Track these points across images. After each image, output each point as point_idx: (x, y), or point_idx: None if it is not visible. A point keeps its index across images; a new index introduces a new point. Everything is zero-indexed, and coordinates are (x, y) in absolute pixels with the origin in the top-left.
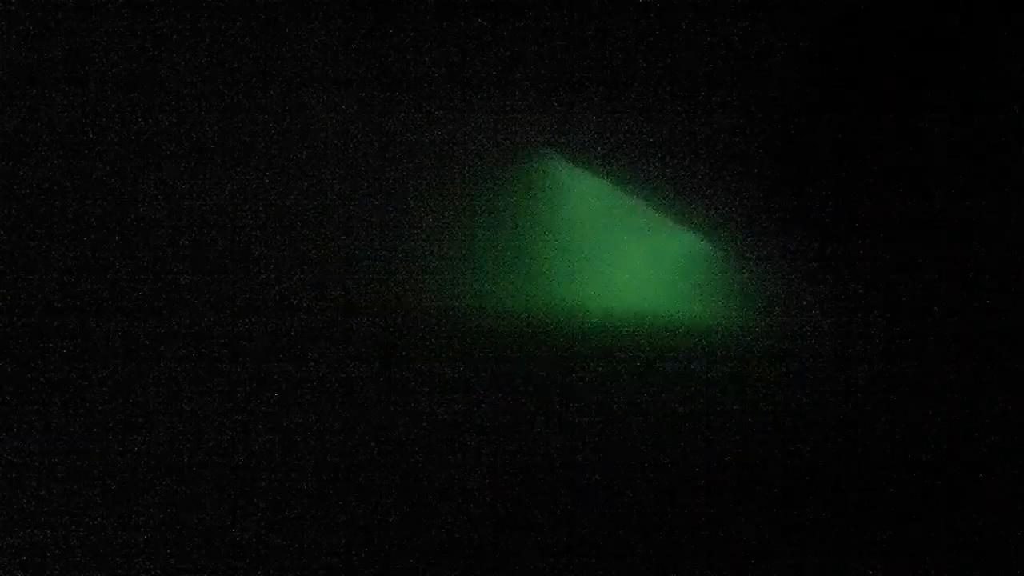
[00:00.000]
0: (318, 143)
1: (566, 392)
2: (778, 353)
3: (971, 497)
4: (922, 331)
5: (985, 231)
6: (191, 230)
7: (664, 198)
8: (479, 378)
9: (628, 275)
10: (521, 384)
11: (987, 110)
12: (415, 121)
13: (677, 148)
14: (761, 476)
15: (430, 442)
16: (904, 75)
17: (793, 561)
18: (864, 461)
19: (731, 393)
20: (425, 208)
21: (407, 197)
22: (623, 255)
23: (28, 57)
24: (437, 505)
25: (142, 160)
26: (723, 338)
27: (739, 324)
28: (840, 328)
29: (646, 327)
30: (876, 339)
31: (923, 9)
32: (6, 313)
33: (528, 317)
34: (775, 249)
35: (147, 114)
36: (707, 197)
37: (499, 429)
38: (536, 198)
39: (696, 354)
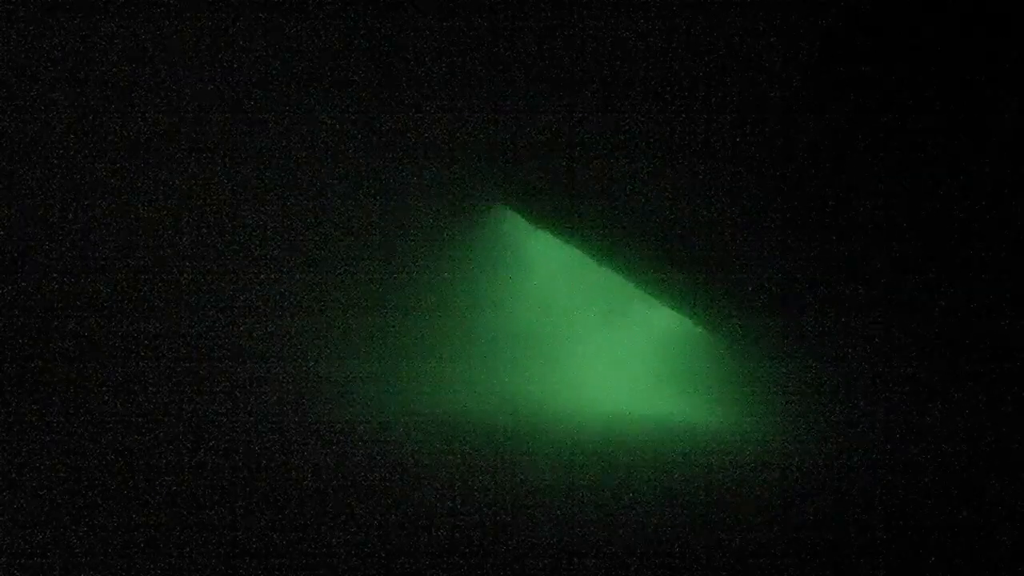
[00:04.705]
0: (318, 143)
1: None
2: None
3: (971, 496)
4: (922, 331)
5: (985, 231)
6: (191, 230)
7: (664, 200)
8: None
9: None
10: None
11: (987, 110)
12: (415, 121)
13: (676, 149)
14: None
15: (427, 447)
16: (904, 75)
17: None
18: (864, 463)
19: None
20: (425, 208)
21: (407, 197)
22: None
23: (28, 57)
24: (432, 514)
25: (142, 160)
26: (717, 444)
27: (737, 425)
28: (840, 328)
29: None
30: (876, 339)
31: (923, 9)
32: (6, 313)
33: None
34: (775, 252)
35: (147, 114)
36: (706, 198)
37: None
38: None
39: (685, 473)
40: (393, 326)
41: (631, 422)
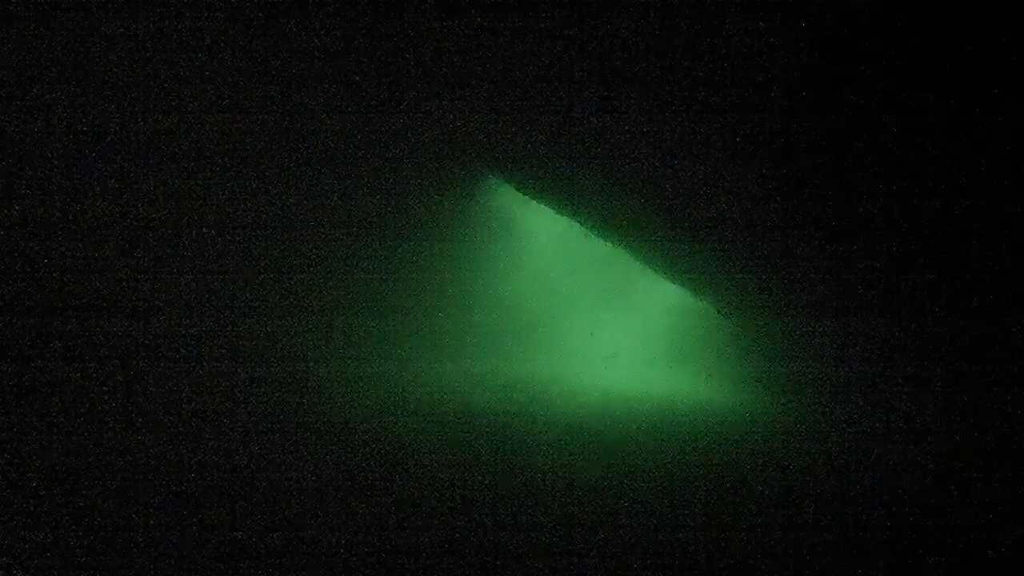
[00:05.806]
0: (318, 143)
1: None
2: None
3: (971, 497)
4: (922, 331)
5: (985, 231)
6: (191, 230)
7: (662, 200)
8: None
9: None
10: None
11: (987, 110)
12: (415, 121)
13: (676, 149)
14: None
15: (429, 445)
16: (904, 75)
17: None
18: (864, 463)
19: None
20: (424, 208)
21: (407, 197)
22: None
23: (28, 57)
24: (434, 512)
25: (142, 160)
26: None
27: (741, 407)
28: (840, 328)
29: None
30: (876, 339)
31: (923, 9)
32: (6, 313)
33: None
34: (775, 252)
35: (147, 114)
36: (706, 198)
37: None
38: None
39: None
40: (388, 319)
41: (633, 407)
